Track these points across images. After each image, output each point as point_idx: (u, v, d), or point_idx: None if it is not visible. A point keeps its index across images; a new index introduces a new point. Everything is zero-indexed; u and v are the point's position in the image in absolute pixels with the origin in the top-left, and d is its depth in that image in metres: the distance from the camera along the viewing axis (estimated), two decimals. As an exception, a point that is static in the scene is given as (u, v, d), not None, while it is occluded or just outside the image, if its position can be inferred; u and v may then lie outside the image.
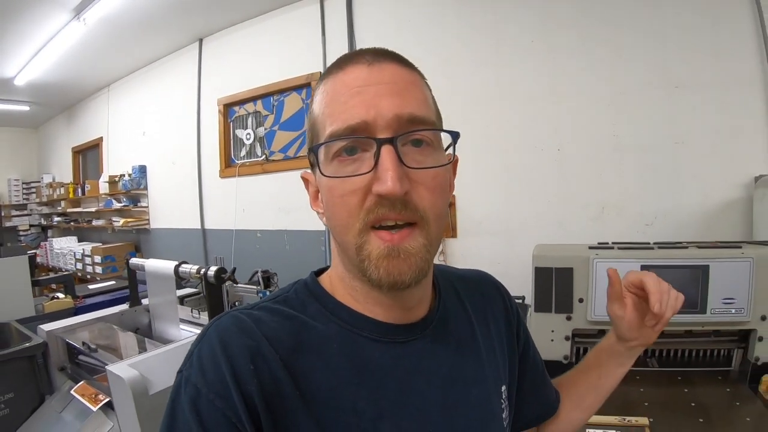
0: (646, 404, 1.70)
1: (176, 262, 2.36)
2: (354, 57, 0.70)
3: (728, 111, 2.67)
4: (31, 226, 8.99)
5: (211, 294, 2.24)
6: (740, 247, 1.86)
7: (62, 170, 8.35)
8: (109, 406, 1.95)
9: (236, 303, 2.67)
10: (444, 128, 0.72)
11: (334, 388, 0.68)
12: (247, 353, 0.65)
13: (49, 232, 8.74)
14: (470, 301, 0.89)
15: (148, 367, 1.77)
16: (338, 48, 4.01)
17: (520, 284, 3.00)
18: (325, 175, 0.68)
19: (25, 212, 9.02)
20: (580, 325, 1.95)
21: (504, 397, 0.87)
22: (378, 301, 0.73)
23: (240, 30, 4.87)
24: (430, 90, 0.75)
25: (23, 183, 9.04)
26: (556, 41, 3.12)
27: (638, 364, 1.78)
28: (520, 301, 2.87)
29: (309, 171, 0.78)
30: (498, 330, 0.92)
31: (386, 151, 0.63)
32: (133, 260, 2.65)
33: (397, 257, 0.65)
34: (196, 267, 2.29)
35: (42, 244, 7.79)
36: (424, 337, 0.77)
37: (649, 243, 2.06)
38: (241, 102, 4.92)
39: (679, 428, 1.57)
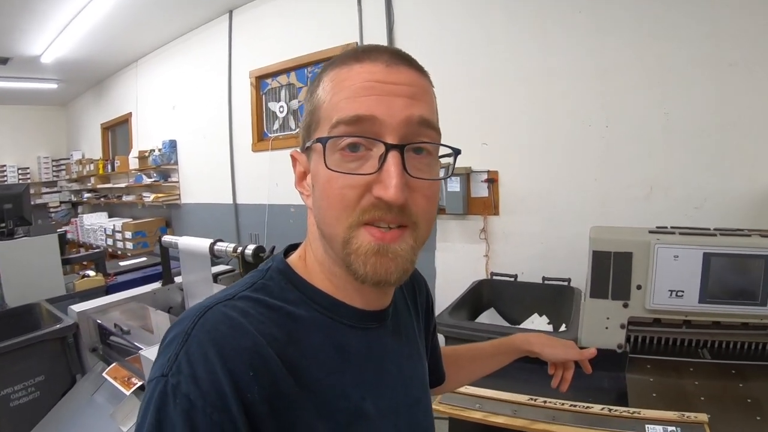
0: (702, 398, 1.63)
1: (211, 240, 2.29)
2: (372, 54, 0.70)
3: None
4: (61, 202, 9.10)
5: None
6: (808, 237, 1.74)
7: (92, 146, 8.42)
8: (142, 389, 1.91)
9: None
10: (445, 143, 0.74)
11: (326, 377, 0.70)
12: (245, 357, 0.62)
13: (80, 209, 8.81)
14: (406, 287, 0.97)
15: (184, 350, 1.70)
16: (375, 17, 3.90)
17: (564, 265, 2.90)
18: (329, 168, 0.67)
19: (55, 189, 9.15)
20: (636, 313, 1.85)
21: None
22: (356, 288, 0.75)
23: (271, 0, 4.76)
24: (435, 98, 0.76)
25: (53, 160, 9.15)
26: (603, 16, 2.94)
27: (690, 355, 1.90)
28: (565, 283, 2.72)
29: (298, 150, 0.79)
30: (422, 316, 1.02)
31: (393, 157, 0.65)
32: (166, 238, 2.59)
33: (385, 256, 0.67)
34: (232, 245, 2.22)
35: (72, 220, 7.87)
36: (388, 322, 0.83)
37: (709, 229, 1.93)
38: (274, 74, 4.84)
39: (737, 426, 1.52)
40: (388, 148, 0.65)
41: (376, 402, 0.75)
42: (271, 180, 4.85)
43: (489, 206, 3.32)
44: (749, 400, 1.61)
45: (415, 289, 1.02)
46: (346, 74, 0.70)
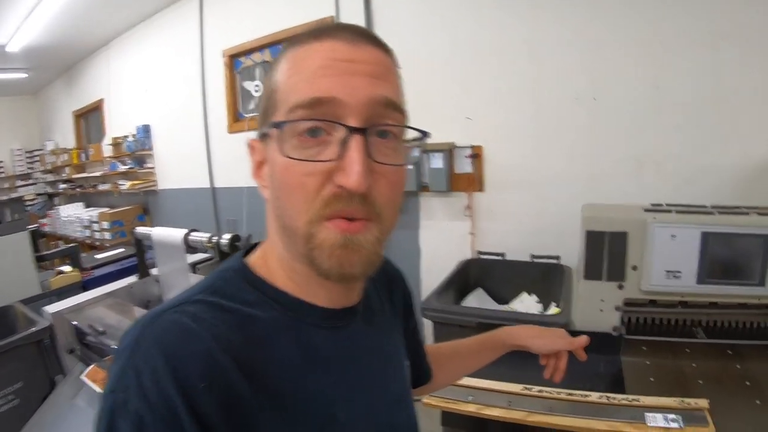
0: (700, 382, 1.63)
1: (185, 230, 2.21)
2: (332, 31, 0.67)
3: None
4: (37, 195, 8.92)
5: (226, 263, 2.09)
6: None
7: (65, 136, 8.20)
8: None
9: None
10: (412, 126, 0.70)
11: (289, 380, 0.66)
12: (197, 364, 0.58)
13: (56, 200, 8.65)
14: (378, 281, 0.93)
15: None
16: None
17: (552, 242, 2.85)
18: (285, 155, 0.64)
19: (30, 181, 8.96)
20: (632, 294, 1.84)
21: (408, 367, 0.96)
22: (320, 284, 0.71)
23: (244, -26, 4.61)
24: (401, 79, 0.72)
25: (26, 152, 8.95)
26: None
27: (685, 335, 1.86)
28: (555, 261, 2.67)
29: (255, 138, 0.75)
30: (400, 310, 0.99)
31: (356, 142, 0.61)
32: (139, 229, 2.52)
33: (350, 248, 0.64)
34: (207, 235, 2.15)
35: (49, 212, 7.71)
36: (358, 319, 0.80)
37: (706, 206, 1.89)
38: (248, 52, 4.71)
39: (737, 410, 1.50)
40: (350, 131, 0.62)
41: (348, 404, 0.73)
42: (248, 162, 4.70)
43: (473, 182, 3.25)
44: (748, 383, 1.60)
45: (389, 281, 0.99)
46: (305, 53, 0.66)
